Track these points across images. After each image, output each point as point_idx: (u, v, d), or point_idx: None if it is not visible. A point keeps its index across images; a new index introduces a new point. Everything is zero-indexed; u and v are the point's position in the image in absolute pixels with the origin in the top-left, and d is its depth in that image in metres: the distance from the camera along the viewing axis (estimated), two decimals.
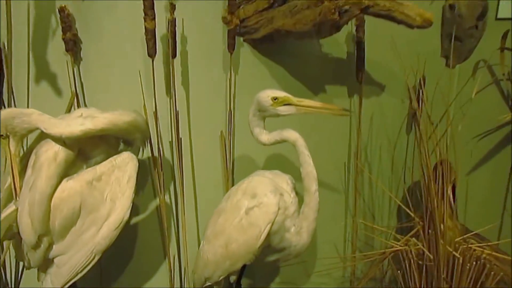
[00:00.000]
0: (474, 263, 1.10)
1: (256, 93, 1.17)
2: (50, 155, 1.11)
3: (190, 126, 1.47)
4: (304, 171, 1.15)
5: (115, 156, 1.17)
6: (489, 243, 1.25)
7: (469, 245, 1.14)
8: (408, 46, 1.43)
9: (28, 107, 1.40)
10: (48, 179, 1.11)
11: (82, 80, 1.41)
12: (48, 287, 1.22)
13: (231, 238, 1.19)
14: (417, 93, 1.39)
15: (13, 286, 1.53)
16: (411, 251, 1.13)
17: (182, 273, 1.55)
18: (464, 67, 1.45)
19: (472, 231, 1.29)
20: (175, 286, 1.54)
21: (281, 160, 1.52)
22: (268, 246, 1.25)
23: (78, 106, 1.40)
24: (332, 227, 1.60)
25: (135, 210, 1.53)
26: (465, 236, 1.23)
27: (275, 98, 1.13)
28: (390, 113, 1.51)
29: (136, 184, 1.44)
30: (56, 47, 1.34)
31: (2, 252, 1.42)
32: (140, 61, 1.37)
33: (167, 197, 1.52)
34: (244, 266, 1.34)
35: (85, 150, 1.17)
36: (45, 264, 1.23)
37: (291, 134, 1.15)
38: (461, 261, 1.10)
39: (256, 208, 1.15)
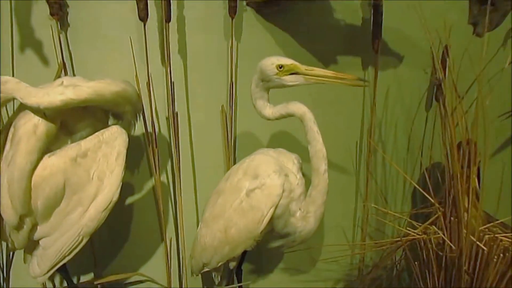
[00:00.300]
0: (501, 255, 0.98)
1: (256, 62, 1.06)
2: (29, 128, 1.01)
3: (188, 99, 1.37)
4: (312, 150, 1.04)
5: (102, 131, 1.07)
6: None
7: (496, 235, 1.02)
8: (430, 11, 1.29)
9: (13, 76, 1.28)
10: (27, 155, 1.01)
11: (70, 48, 1.31)
12: (35, 270, 1.15)
13: (230, 222, 1.10)
14: (440, 63, 1.24)
15: (4, 266, 1.46)
16: (430, 240, 1.01)
17: (180, 257, 1.47)
18: (493, 36, 1.30)
19: (497, 220, 1.17)
20: (172, 271, 1.46)
21: (288, 138, 1.41)
22: (271, 231, 1.16)
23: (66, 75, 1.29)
24: (341, 211, 1.50)
25: (130, 189, 1.45)
26: (489, 224, 1.10)
27: (280, 66, 1.01)
28: (408, 86, 1.39)
29: (130, 161, 1.37)
30: (40, 11, 1.24)
31: None
32: (133, 26, 1.26)
33: (163, 176, 1.43)
34: (244, 252, 1.25)
35: (69, 123, 1.06)
36: (31, 245, 1.16)
37: (298, 108, 1.03)
38: (486, 252, 0.98)
39: (258, 190, 1.05)
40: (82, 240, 1.09)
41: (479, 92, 1.15)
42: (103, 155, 1.05)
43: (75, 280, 1.47)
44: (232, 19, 1.27)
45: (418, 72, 1.38)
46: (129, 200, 1.45)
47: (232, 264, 1.22)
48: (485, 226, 1.08)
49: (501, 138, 1.48)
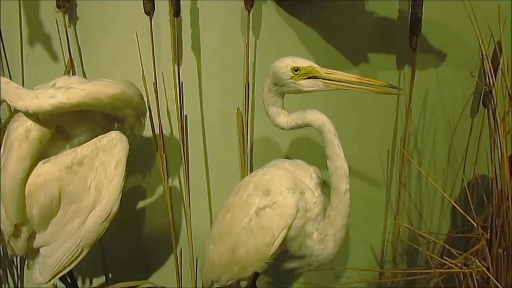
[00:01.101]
0: None
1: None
2: (21, 133, 0.96)
3: (201, 100, 1.30)
4: (332, 166, 0.91)
5: (100, 137, 1.01)
6: None
7: None
8: (480, 2, 1.13)
9: (22, 73, 1.29)
10: (19, 161, 0.96)
11: (79, 43, 1.27)
12: (37, 277, 1.13)
13: (239, 242, 1.01)
14: (491, 62, 1.08)
15: (18, 265, 1.45)
16: (471, 275, 0.86)
17: (191, 267, 1.40)
18: None
19: None
20: (183, 281, 1.41)
21: (310, 145, 1.31)
22: (285, 251, 1.04)
23: (73, 73, 1.25)
24: (369, 229, 1.39)
25: (142, 194, 1.41)
26: None
27: (296, 69, 0.89)
28: (451, 89, 1.27)
29: (141, 164, 1.34)
30: (48, 4, 1.21)
31: None
32: (144, 20, 1.18)
33: (176, 181, 1.38)
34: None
35: (65, 127, 1.00)
36: (32, 252, 1.13)
37: (317, 117, 0.90)
38: None
39: (269, 208, 0.95)
40: (82, 251, 1.05)
41: None
42: (100, 164, 0.98)
43: (86, 285, 1.47)
44: (249, 12, 1.17)
45: (463, 73, 1.23)
46: (140, 205, 1.42)
47: (243, 283, 1.15)
48: None
49: None
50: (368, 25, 1.25)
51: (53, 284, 1.39)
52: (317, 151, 1.28)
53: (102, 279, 1.46)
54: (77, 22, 1.25)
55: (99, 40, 1.26)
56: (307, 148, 1.31)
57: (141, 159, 1.32)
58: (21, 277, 1.46)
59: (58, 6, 1.17)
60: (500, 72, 1.08)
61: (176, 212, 1.36)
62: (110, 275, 1.47)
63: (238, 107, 1.27)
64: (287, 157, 1.30)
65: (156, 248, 1.43)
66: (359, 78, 0.85)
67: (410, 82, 1.19)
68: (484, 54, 1.05)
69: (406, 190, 1.34)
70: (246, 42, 1.20)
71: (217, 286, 1.15)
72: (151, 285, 1.42)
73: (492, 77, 1.07)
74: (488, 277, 0.86)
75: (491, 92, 1.04)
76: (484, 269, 0.85)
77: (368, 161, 1.33)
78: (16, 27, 1.24)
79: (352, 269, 1.36)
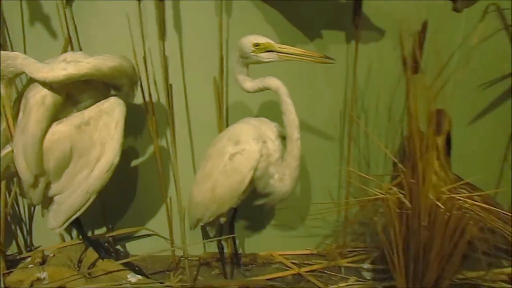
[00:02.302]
0: (455, 212, 1.10)
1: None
2: (38, 99, 1.14)
3: (184, 71, 1.47)
4: (286, 119, 1.15)
5: (102, 101, 1.20)
6: (479, 193, 1.24)
7: (452, 195, 1.14)
8: None
9: (24, 50, 1.43)
10: (37, 123, 1.15)
11: (75, 23, 1.42)
12: (52, 223, 1.31)
13: (217, 183, 1.23)
14: (418, 39, 1.31)
15: (27, 221, 1.65)
16: (392, 200, 1.14)
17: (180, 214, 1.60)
18: (472, 12, 1.35)
19: (472, 184, 1.28)
20: (174, 226, 1.62)
21: (273, 106, 1.48)
22: (254, 191, 1.29)
23: (72, 50, 1.42)
24: (327, 174, 1.61)
25: (134, 153, 1.60)
26: (451, 186, 1.21)
27: (256, 44, 1.11)
28: (389, 60, 1.44)
29: (133, 127, 1.52)
30: None
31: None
32: (134, 3, 1.35)
33: (164, 141, 1.57)
34: (235, 210, 1.40)
35: (73, 94, 1.19)
36: (47, 201, 1.32)
37: (273, 82, 1.14)
38: (442, 210, 1.10)
39: (239, 154, 1.18)
40: (90, 197, 1.24)
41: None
42: (104, 124, 1.18)
43: (89, 234, 1.65)
44: None
45: (398, 47, 1.43)
46: (134, 163, 1.60)
47: (223, 220, 1.38)
48: (447, 187, 1.19)
49: (479, 109, 1.55)
50: (322, 7, 1.40)
51: (61, 235, 1.58)
52: (279, 111, 1.51)
53: (104, 229, 1.65)
54: (73, 4, 1.38)
55: (94, 21, 1.40)
56: (271, 109, 1.47)
57: (134, 124, 1.49)
58: (29, 232, 1.65)
59: None
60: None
61: (165, 167, 1.54)
62: (110, 226, 1.66)
63: (215, 77, 1.44)
64: (255, 116, 1.47)
65: (149, 200, 1.61)
66: (303, 51, 1.09)
67: (354, 55, 1.41)
68: (413, 32, 1.25)
69: (356, 144, 1.56)
70: (219, 21, 1.37)
71: (202, 224, 1.38)
72: (147, 231, 1.64)
73: (418, 50, 1.31)
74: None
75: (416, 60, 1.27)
76: (400, 194, 1.13)
77: (323, 121, 1.53)
78: (18, 9, 1.38)
79: (316, 203, 1.59)
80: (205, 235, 1.63)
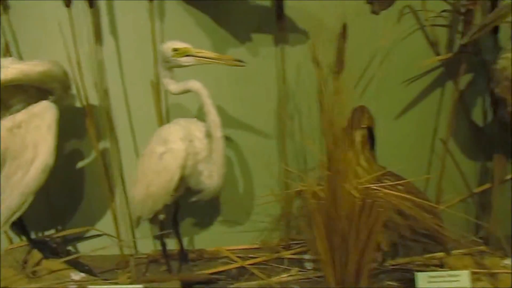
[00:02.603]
0: (368, 200, 1.18)
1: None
2: None
3: (122, 75, 1.54)
4: (208, 119, 1.22)
5: (34, 105, 1.25)
6: (399, 182, 1.33)
7: (367, 185, 1.22)
8: None
9: None
10: None
11: (14, 29, 1.47)
12: None
13: (150, 181, 1.30)
14: (339, 39, 1.40)
15: None
16: (311, 192, 1.22)
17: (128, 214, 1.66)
18: (389, 14, 1.44)
19: (396, 174, 1.37)
20: (122, 225, 1.67)
21: None
22: (188, 188, 1.36)
23: (10, 55, 1.46)
24: (268, 171, 1.66)
25: (79, 154, 1.64)
26: (371, 176, 1.30)
27: (175, 49, 1.18)
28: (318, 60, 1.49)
29: (78, 129, 1.57)
30: None
31: None
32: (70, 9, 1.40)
33: (111, 143, 1.62)
34: (177, 207, 1.46)
35: (4, 98, 1.24)
36: None
37: (194, 84, 1.21)
38: (356, 199, 1.18)
39: (167, 153, 1.25)
40: (26, 198, 1.28)
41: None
42: (35, 126, 1.23)
43: (39, 235, 1.68)
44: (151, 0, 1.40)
45: (323, 47, 1.48)
46: (81, 164, 1.65)
47: (162, 217, 1.43)
48: (368, 177, 1.28)
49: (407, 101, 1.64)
50: (250, 11, 1.46)
51: (7, 235, 1.61)
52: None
53: (52, 231, 1.68)
54: (11, 10, 1.43)
55: (33, 26, 1.44)
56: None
57: (78, 126, 1.55)
58: None
59: None
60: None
61: (112, 168, 1.60)
62: (59, 227, 1.69)
63: (152, 80, 1.49)
64: (195, 117, 1.51)
65: (99, 200, 1.66)
66: (218, 55, 1.16)
67: (281, 56, 1.48)
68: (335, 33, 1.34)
69: (293, 142, 1.62)
70: (152, 26, 1.42)
71: (142, 220, 1.44)
72: (96, 232, 1.69)
73: (340, 51, 1.39)
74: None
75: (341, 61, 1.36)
76: (318, 187, 1.22)
77: (259, 120, 1.60)
78: None
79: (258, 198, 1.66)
80: (154, 233, 1.68)
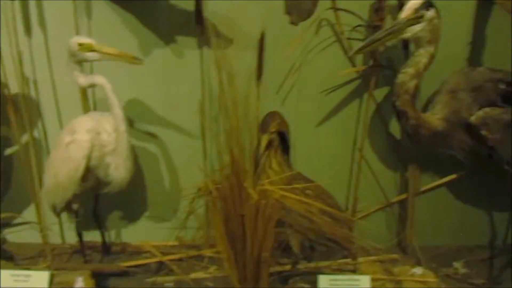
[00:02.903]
0: (263, 201, 1.24)
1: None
2: None
3: (51, 67, 1.58)
4: (112, 113, 1.27)
5: None
6: (307, 185, 1.39)
7: (267, 187, 1.28)
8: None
9: None
10: None
11: None
12: None
13: (58, 170, 1.35)
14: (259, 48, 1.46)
15: None
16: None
17: None
18: (307, 25, 1.51)
19: (307, 178, 1.44)
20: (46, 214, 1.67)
21: (138, 103, 1.63)
22: (99, 179, 1.40)
23: None
24: (193, 170, 1.70)
25: (8, 142, 1.68)
26: (278, 177, 1.36)
27: (80, 44, 1.23)
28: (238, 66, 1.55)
29: (5, 118, 1.58)
30: None
31: None
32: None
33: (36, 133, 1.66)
34: (97, 199, 1.49)
35: None
36: None
37: (100, 79, 1.26)
38: (252, 199, 1.24)
39: (73, 143, 1.29)
40: None
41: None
42: None
43: None
44: None
45: (243, 53, 1.52)
46: (9, 152, 1.68)
47: (75, 206, 1.46)
48: (271, 179, 1.34)
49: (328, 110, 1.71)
50: (174, 15, 1.52)
51: None
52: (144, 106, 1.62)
53: None
54: None
55: None
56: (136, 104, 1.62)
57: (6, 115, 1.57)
58: None
59: None
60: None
61: (39, 157, 1.62)
62: None
63: None
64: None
65: (24, 188, 1.65)
66: (119, 52, 1.22)
67: (200, 59, 1.53)
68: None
69: (217, 142, 1.66)
70: (75, 22, 1.48)
71: (58, 209, 1.47)
72: (21, 219, 1.71)
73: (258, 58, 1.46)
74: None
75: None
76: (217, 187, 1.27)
77: (185, 119, 1.64)
78: None
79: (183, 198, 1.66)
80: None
